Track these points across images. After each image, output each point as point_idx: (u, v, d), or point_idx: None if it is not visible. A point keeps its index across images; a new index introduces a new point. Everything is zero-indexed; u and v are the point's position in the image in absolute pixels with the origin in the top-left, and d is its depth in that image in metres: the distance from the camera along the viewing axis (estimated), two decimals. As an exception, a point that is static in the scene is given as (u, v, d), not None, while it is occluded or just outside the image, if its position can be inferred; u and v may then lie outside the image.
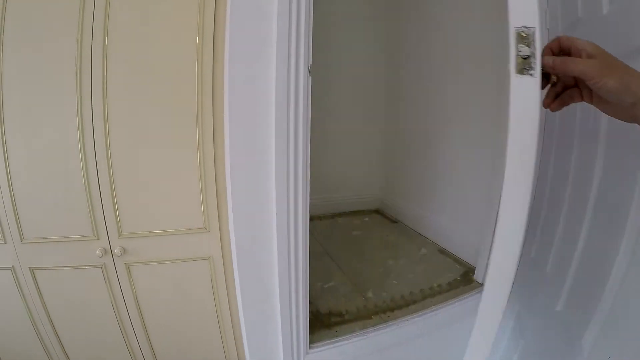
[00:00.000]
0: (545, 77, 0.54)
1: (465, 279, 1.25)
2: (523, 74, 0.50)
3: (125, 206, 1.22)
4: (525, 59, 0.49)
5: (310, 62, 0.76)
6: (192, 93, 1.15)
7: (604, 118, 0.79)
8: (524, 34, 0.49)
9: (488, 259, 1.15)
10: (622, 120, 0.53)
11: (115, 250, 1.25)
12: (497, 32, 1.28)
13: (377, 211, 2.35)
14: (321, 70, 2.12)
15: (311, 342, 1.03)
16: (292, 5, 0.71)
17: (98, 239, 1.25)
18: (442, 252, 1.59)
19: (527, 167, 0.56)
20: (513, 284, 0.63)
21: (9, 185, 1.16)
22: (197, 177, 1.20)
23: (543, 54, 0.54)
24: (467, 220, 1.52)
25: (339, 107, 2.26)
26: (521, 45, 0.49)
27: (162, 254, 1.28)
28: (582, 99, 0.56)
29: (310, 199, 2.21)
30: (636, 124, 0.51)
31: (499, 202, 0.60)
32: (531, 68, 0.50)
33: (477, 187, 1.42)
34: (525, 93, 0.51)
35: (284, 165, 0.80)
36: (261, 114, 0.76)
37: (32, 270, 1.27)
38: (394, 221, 2.10)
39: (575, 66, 0.52)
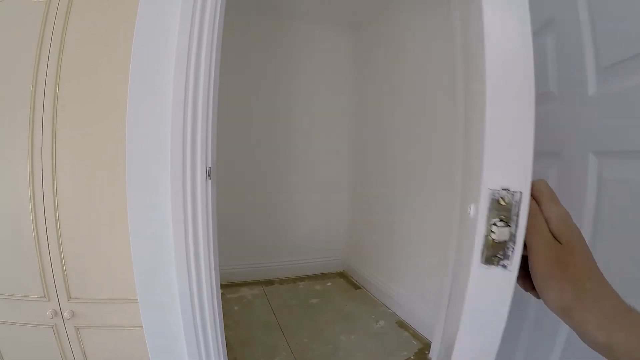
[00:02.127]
0: None
1: (419, 359, 1.16)
2: (492, 264, 0.32)
3: (74, 271, 1.23)
4: (499, 243, 0.31)
5: (210, 165, 0.73)
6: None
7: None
8: (503, 202, 0.31)
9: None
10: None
11: (65, 314, 1.25)
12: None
13: (341, 274, 2.25)
14: (292, 139, 2.14)
15: None
16: (187, 101, 0.68)
17: (49, 300, 1.26)
18: (401, 324, 1.46)
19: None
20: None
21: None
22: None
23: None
24: (424, 292, 1.41)
25: (304, 167, 2.24)
26: (497, 221, 0.31)
27: (114, 320, 1.27)
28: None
29: (272, 262, 2.16)
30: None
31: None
32: (506, 257, 0.32)
33: (433, 261, 1.34)
34: (491, 291, 0.33)
35: (184, 265, 0.75)
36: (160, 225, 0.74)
37: (-10, 324, 1.29)
38: (357, 287, 2.00)
39: (529, 237, 0.34)
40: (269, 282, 2.01)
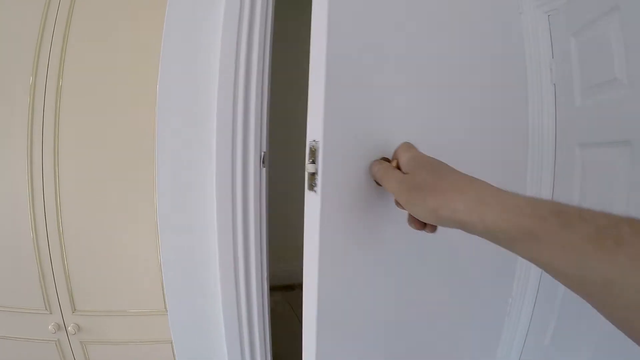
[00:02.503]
0: None
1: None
2: (311, 190, 0.47)
3: (79, 281, 1.09)
4: (312, 174, 0.46)
5: (265, 149, 0.61)
6: (152, 154, 1.01)
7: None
8: (313, 148, 0.46)
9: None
10: None
11: (69, 328, 1.11)
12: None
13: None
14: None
15: None
16: (239, 63, 0.57)
17: (51, 313, 1.12)
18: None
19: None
20: None
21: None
22: (156, 252, 1.04)
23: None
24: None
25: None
26: (310, 160, 0.47)
27: (121, 334, 1.13)
28: None
29: (292, 265, 2.02)
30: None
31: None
32: (316, 185, 0.47)
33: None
34: (311, 210, 0.48)
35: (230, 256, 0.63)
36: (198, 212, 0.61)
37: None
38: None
39: (387, 182, 0.44)
40: (289, 287, 1.88)
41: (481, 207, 0.31)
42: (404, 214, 0.44)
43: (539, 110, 1.10)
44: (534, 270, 1.08)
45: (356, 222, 0.54)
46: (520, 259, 1.15)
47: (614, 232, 0.24)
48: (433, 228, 0.41)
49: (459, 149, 0.95)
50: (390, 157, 0.50)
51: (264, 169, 0.61)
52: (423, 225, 0.42)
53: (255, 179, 0.59)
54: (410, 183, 0.39)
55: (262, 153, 0.60)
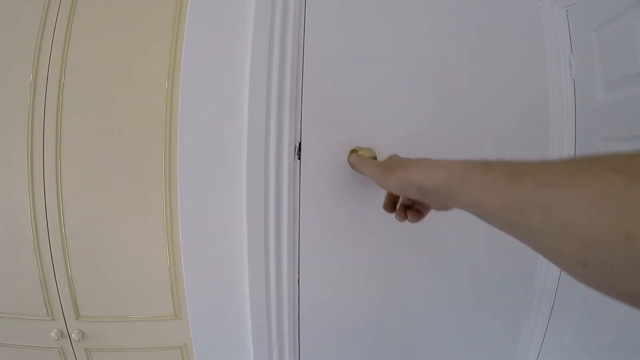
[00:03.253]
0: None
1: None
2: (298, 159, 0.60)
3: (82, 285, 1.02)
4: (298, 152, 0.61)
5: (300, 140, 0.58)
6: (159, 152, 0.96)
7: None
8: (300, 144, 0.60)
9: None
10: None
11: (73, 335, 1.05)
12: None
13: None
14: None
15: None
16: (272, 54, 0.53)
17: (53, 319, 1.05)
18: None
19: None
20: None
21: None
22: (164, 254, 0.99)
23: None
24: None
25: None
26: (298, 149, 0.60)
27: (127, 341, 1.07)
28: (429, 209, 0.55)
29: None
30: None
31: None
32: (300, 157, 0.60)
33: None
34: (297, 171, 0.60)
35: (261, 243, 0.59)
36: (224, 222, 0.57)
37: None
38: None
39: (364, 168, 0.58)
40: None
41: (430, 171, 0.41)
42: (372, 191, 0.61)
43: (559, 104, 1.08)
44: (554, 268, 1.06)
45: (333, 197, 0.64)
46: (540, 257, 1.11)
47: (525, 168, 0.28)
48: (414, 218, 0.52)
49: (480, 149, 0.93)
50: (356, 147, 0.65)
51: (298, 161, 0.58)
52: (404, 216, 0.54)
53: (289, 169, 0.56)
54: (385, 165, 0.52)
55: (297, 144, 0.57)
